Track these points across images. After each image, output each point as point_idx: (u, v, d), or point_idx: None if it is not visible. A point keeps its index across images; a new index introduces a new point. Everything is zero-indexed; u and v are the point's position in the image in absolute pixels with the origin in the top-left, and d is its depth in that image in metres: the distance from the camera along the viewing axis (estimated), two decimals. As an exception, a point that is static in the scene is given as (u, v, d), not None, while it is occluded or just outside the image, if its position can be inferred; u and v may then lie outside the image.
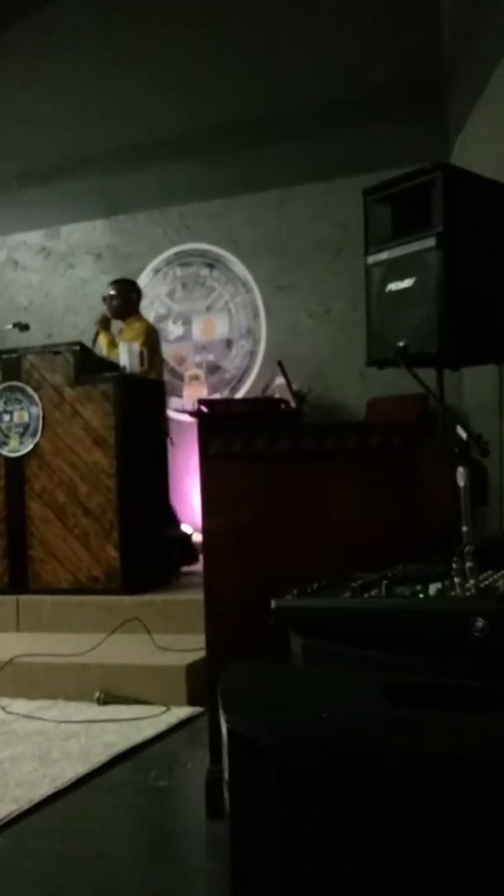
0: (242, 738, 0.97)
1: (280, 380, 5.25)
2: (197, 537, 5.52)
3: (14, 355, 4.54)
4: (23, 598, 4.35)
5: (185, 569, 4.95)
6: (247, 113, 6.50)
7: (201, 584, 2.28)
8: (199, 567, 5.22)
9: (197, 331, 6.91)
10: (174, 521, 5.31)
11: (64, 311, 7.29)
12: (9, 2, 6.97)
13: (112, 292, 5.34)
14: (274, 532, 2.19)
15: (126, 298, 5.33)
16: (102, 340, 5.23)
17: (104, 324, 5.31)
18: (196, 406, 2.50)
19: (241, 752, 0.98)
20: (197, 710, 3.22)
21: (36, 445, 4.44)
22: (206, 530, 2.26)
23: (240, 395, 6.62)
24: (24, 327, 5.10)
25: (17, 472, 4.49)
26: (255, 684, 1.17)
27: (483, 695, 1.11)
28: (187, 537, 5.80)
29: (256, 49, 6.42)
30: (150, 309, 7.00)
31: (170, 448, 4.93)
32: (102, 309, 5.42)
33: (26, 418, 4.47)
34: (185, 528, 5.81)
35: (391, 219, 2.56)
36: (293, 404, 2.73)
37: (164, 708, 3.28)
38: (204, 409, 2.48)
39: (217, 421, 2.38)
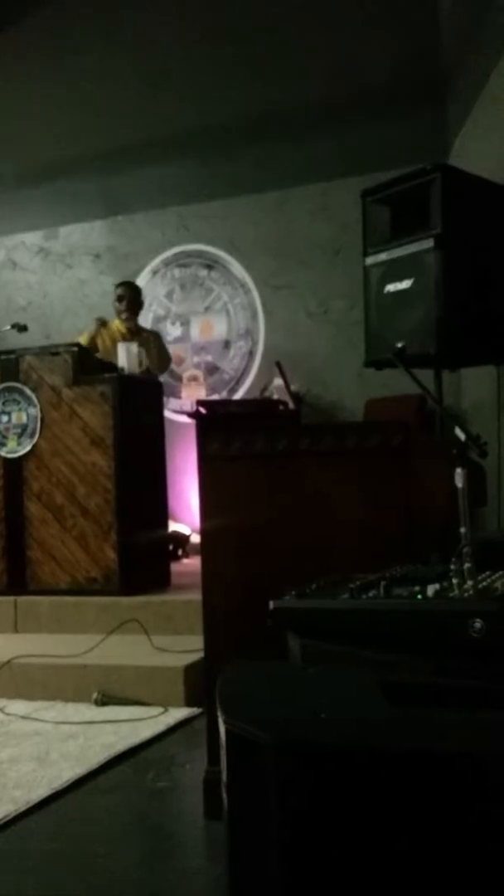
0: (240, 739, 0.96)
1: (278, 380, 5.24)
2: (195, 538, 5.52)
3: (12, 356, 4.54)
4: (21, 598, 4.34)
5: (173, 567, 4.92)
6: (245, 113, 6.49)
7: (199, 585, 2.27)
8: (189, 564, 5.22)
9: (195, 332, 6.91)
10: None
11: (62, 311, 7.29)
12: (8, 2, 6.96)
13: (120, 292, 5.49)
14: (272, 532, 2.19)
15: (138, 303, 5.46)
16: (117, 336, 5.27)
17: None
18: (194, 407, 2.50)
19: (240, 752, 0.98)
20: (195, 710, 3.22)
21: (34, 446, 4.44)
22: (204, 531, 2.26)
23: (238, 395, 6.62)
24: (22, 328, 5.09)
25: (15, 472, 4.48)
26: (253, 685, 1.17)
27: (481, 694, 1.11)
28: (184, 537, 5.79)
29: (255, 49, 6.41)
30: (148, 310, 7.00)
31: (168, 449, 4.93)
32: (117, 308, 5.47)
33: (24, 419, 4.46)
34: (182, 527, 5.80)
35: (390, 219, 2.57)
36: (291, 405, 2.73)
37: (161, 709, 3.27)
38: (202, 410, 2.48)
39: (215, 422, 2.38)
